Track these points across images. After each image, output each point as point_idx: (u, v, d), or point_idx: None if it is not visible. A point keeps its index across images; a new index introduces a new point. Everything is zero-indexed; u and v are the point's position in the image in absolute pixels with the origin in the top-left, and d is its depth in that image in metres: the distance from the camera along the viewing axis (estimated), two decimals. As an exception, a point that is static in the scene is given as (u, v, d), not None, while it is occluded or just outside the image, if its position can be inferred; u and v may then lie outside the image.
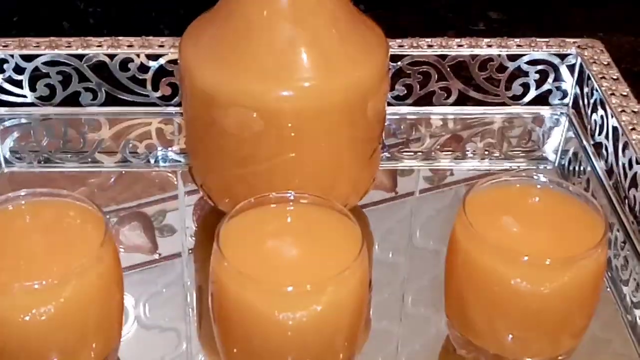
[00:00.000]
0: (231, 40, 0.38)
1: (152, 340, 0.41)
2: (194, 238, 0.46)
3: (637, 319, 0.42)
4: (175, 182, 0.50)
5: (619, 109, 0.47)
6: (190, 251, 0.45)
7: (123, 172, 0.50)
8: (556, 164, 0.52)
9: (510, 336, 0.37)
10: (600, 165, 0.50)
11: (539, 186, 0.39)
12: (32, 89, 0.51)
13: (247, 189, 0.40)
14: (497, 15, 0.71)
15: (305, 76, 0.37)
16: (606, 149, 0.49)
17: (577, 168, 0.52)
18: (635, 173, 0.44)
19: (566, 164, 0.53)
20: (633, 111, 0.47)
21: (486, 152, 0.53)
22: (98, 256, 0.33)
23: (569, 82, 0.54)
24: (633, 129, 0.46)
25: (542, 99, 0.55)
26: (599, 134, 0.50)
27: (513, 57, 0.53)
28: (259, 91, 0.37)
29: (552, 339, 0.37)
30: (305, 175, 0.40)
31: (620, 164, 0.47)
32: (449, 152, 0.53)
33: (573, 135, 0.54)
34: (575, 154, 0.53)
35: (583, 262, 0.34)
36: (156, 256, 0.44)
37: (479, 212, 0.35)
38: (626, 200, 0.46)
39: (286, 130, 0.38)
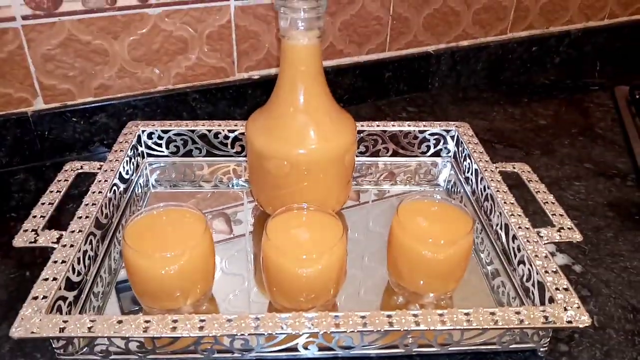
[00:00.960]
0: (273, 122, 0.53)
1: (229, 281, 0.55)
2: (252, 226, 0.63)
3: (488, 271, 0.57)
4: (242, 197, 0.67)
5: (479, 161, 0.64)
6: (250, 233, 0.61)
7: (214, 192, 0.67)
8: (444, 188, 0.70)
9: (422, 281, 0.49)
10: (468, 189, 0.67)
11: (437, 200, 0.52)
12: (167, 147, 0.71)
13: (280, 201, 0.54)
14: (412, 109, 0.92)
15: (313, 142, 0.52)
16: (471, 181, 0.66)
17: (455, 190, 0.68)
18: (488, 194, 0.60)
19: (450, 187, 0.70)
20: (486, 160, 0.65)
21: (407, 180, 0.71)
22: (201, 239, 0.45)
23: (451, 145, 0.72)
24: (485, 169, 0.63)
25: (436, 153, 0.73)
26: (467, 172, 0.67)
27: (422, 131, 0.72)
28: (287, 150, 0.52)
29: (444, 283, 0.49)
30: (312, 194, 0.54)
31: (479, 188, 0.64)
32: (387, 180, 0.70)
33: (453, 173, 0.72)
34: (454, 182, 0.70)
35: (461, 241, 0.47)
36: (231, 235, 0.61)
37: (407, 214, 0.48)
38: (482, 208, 0.62)
39: (302, 171, 0.53)
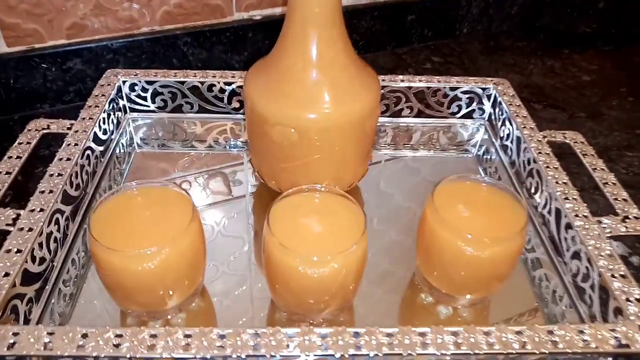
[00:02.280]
0: (278, 80, 0.43)
1: (228, 243, 0.49)
2: (253, 186, 0.55)
3: (528, 258, 0.48)
4: (243, 156, 0.58)
5: (523, 127, 0.54)
6: (251, 194, 0.54)
7: (210, 153, 0.58)
8: (474, 155, 0.60)
9: (459, 283, 0.41)
10: (505, 159, 0.57)
11: (481, 183, 0.42)
12: (153, 101, 0.60)
13: (285, 176, 0.46)
14: (437, 59, 0.80)
15: (326, 105, 0.42)
16: (510, 150, 0.56)
17: (488, 158, 0.59)
18: (534, 169, 0.50)
19: (481, 155, 0.60)
20: (531, 127, 0.54)
21: (431, 145, 0.61)
22: (188, 228, 0.36)
23: (487, 105, 0.62)
24: (531, 138, 0.52)
25: (466, 115, 0.63)
26: (506, 139, 0.57)
27: (454, 88, 0.61)
28: (296, 115, 0.42)
29: (486, 285, 0.40)
30: (325, 168, 0.45)
31: (520, 160, 0.54)
32: (407, 145, 0.61)
33: (487, 138, 0.62)
34: (486, 149, 0.60)
35: (511, 238, 0.37)
36: (230, 197, 0.53)
37: (444, 200, 0.39)
38: (524, 184, 0.52)
39: (313, 141, 0.43)
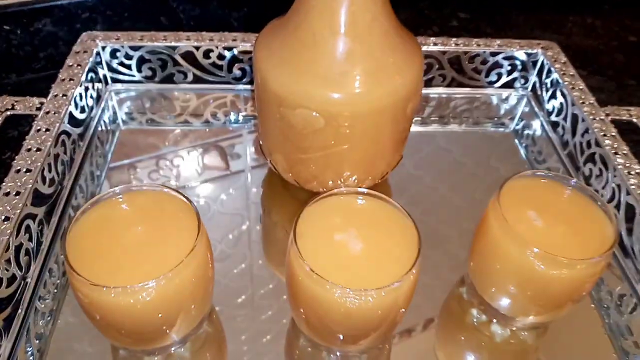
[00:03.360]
0: (298, 49, 0.34)
1: (227, 220, 0.43)
2: (254, 161, 0.48)
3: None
4: (243, 130, 0.50)
5: (581, 103, 0.46)
6: (251, 169, 0.48)
7: (207, 130, 0.50)
8: (511, 130, 0.52)
9: (520, 304, 0.34)
10: (555, 138, 0.49)
11: (562, 186, 0.34)
12: (139, 70, 0.51)
13: (305, 169, 0.38)
14: (464, 15, 0.70)
15: (361, 84, 0.34)
16: (564, 128, 0.48)
17: (529, 135, 0.52)
18: (596, 154, 0.43)
19: (520, 130, 0.52)
20: (590, 103, 0.46)
21: (464, 119, 0.53)
22: (194, 252, 0.28)
23: (532, 74, 0.54)
24: (594, 118, 0.45)
25: (506, 84, 0.55)
26: (557, 116, 0.49)
27: (494, 53, 0.52)
28: (321, 96, 0.34)
29: (554, 309, 0.34)
30: (354, 160, 0.38)
31: (577, 142, 0.46)
32: (436, 117, 0.53)
33: (528, 110, 0.54)
34: (526, 124, 0.53)
35: (589, 263, 0.30)
36: (228, 172, 0.47)
37: (513, 204, 0.32)
38: (580, 170, 0.45)
39: (342, 128, 0.35)
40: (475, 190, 0.46)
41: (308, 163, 0.38)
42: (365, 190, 0.32)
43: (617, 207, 0.41)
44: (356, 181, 0.40)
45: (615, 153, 0.42)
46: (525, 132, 0.53)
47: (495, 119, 0.54)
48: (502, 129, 0.53)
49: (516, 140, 0.52)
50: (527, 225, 0.32)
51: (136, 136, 0.50)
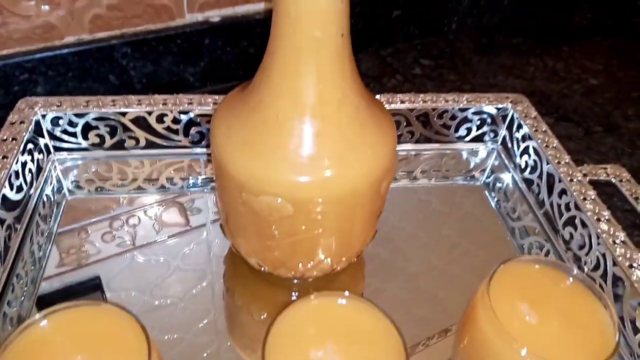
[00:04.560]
0: (260, 131, 0.30)
1: (187, 277, 0.40)
2: (216, 214, 0.45)
3: None
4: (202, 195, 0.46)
5: (556, 162, 0.44)
6: (212, 222, 0.44)
7: (163, 199, 0.46)
8: (481, 183, 0.50)
9: None
10: (530, 197, 0.47)
11: (564, 279, 0.30)
12: (85, 137, 0.46)
13: (273, 255, 0.35)
14: (427, 62, 0.68)
15: (331, 167, 0.30)
16: (538, 187, 0.46)
17: (501, 188, 0.50)
18: (577, 218, 0.41)
19: (491, 183, 0.50)
20: (566, 162, 0.44)
21: (433, 172, 0.51)
22: None
23: (501, 128, 0.52)
24: (571, 180, 0.42)
25: (478, 138, 0.52)
26: (530, 173, 0.47)
27: (463, 109, 0.50)
28: (288, 181, 0.30)
29: None
30: (326, 244, 0.34)
31: (554, 203, 0.44)
32: (405, 174, 0.51)
33: (498, 163, 0.52)
34: (497, 179, 0.51)
35: None
36: (188, 227, 0.44)
37: (503, 296, 0.29)
38: (559, 233, 0.43)
39: (313, 214, 0.31)
40: (454, 256, 0.44)
41: (275, 249, 0.35)
42: (346, 294, 0.28)
43: (604, 277, 0.38)
44: (330, 263, 0.36)
45: (598, 219, 0.39)
46: (497, 185, 0.51)
47: (465, 172, 0.52)
48: (472, 182, 0.51)
49: (486, 193, 0.50)
50: (518, 319, 0.29)
51: (85, 204, 0.46)
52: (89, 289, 0.40)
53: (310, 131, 0.30)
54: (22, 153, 0.42)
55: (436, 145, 0.53)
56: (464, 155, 0.53)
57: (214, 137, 0.33)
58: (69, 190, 0.47)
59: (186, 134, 0.48)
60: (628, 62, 0.72)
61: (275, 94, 0.30)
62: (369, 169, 0.32)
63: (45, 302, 0.38)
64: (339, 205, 0.32)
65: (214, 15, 0.56)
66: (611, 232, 0.39)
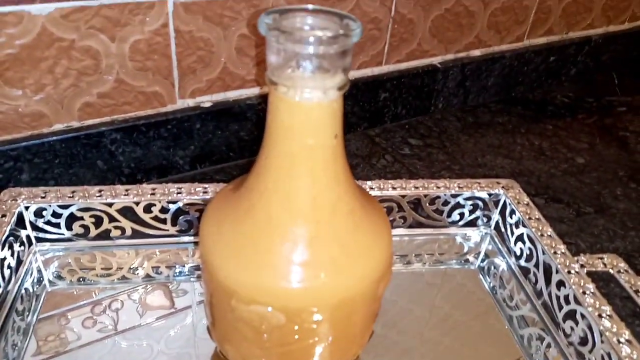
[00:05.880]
0: (252, 236, 0.29)
1: None
2: (199, 294, 0.44)
3: None
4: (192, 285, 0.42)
5: (553, 252, 0.43)
6: (198, 304, 0.43)
7: (146, 288, 0.44)
8: (476, 267, 0.49)
9: None
10: (528, 287, 0.46)
11: None
12: (69, 228, 0.45)
13: None
14: (415, 141, 0.68)
15: (326, 273, 0.29)
16: (535, 275, 0.45)
17: (495, 273, 0.49)
18: (578, 312, 0.39)
19: (486, 268, 0.49)
20: (562, 252, 0.43)
21: (427, 257, 0.50)
22: None
23: (494, 213, 0.51)
24: (569, 272, 0.41)
25: (471, 223, 0.52)
26: (526, 262, 0.46)
27: (455, 195, 0.50)
28: (280, 289, 0.29)
29: None
30: (322, 352, 0.32)
31: (552, 295, 0.42)
32: (397, 258, 0.49)
33: (492, 248, 0.51)
34: (491, 263, 0.50)
35: None
36: (173, 310, 0.43)
37: None
38: (559, 326, 0.41)
39: (307, 323, 0.30)
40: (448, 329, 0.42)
41: (266, 359, 0.32)
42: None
43: (609, 377, 0.37)
44: (324, 370, 0.34)
45: (600, 315, 0.38)
46: (492, 270, 0.50)
47: (459, 256, 0.51)
48: (466, 266, 0.50)
49: (481, 277, 0.49)
50: None
51: (66, 291, 0.44)
52: None
53: (304, 236, 0.29)
54: (2, 248, 0.40)
55: (429, 230, 0.52)
56: (458, 239, 0.53)
57: (203, 240, 0.32)
58: (50, 282, 0.45)
59: (174, 223, 0.47)
60: (611, 140, 0.74)
61: (268, 198, 0.30)
62: (365, 274, 0.31)
63: None
64: (334, 313, 0.31)
65: (206, 100, 0.57)
66: (615, 330, 0.37)
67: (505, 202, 0.50)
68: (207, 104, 0.57)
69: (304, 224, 0.29)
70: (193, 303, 0.43)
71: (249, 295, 0.29)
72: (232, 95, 0.58)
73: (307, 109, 0.27)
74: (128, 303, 0.43)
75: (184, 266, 0.47)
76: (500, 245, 0.51)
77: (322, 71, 0.27)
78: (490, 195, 0.51)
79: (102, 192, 0.45)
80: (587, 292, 0.40)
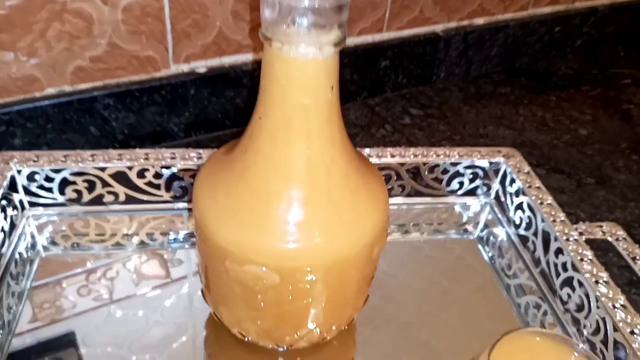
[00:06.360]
0: (247, 198, 0.29)
1: (167, 331, 0.39)
2: (195, 264, 0.44)
3: None
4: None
5: (552, 220, 0.43)
6: (194, 273, 0.43)
7: (141, 257, 0.44)
8: (475, 237, 0.49)
9: None
10: (526, 254, 0.46)
11: (570, 356, 0.29)
12: (62, 193, 0.45)
13: (257, 325, 0.33)
14: (416, 111, 0.68)
15: (320, 235, 0.29)
16: (533, 244, 0.45)
17: (494, 244, 0.49)
18: (574, 279, 0.40)
19: (485, 237, 0.49)
20: (561, 220, 0.43)
21: (425, 226, 0.50)
22: None
23: (495, 182, 0.51)
24: (567, 239, 0.41)
25: (471, 192, 0.52)
26: (525, 230, 0.46)
27: (455, 164, 0.50)
28: (275, 250, 0.29)
29: None
30: (315, 314, 0.33)
31: (550, 262, 0.42)
32: (397, 227, 0.49)
33: (492, 217, 0.51)
34: (491, 233, 0.50)
35: None
36: (168, 280, 0.43)
37: None
38: (556, 294, 0.42)
39: (302, 283, 0.30)
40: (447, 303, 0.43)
41: (260, 320, 0.33)
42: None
43: (604, 342, 0.37)
44: (319, 333, 0.34)
45: (596, 282, 0.38)
46: (491, 240, 0.50)
47: (458, 226, 0.51)
48: (465, 236, 0.50)
49: (480, 247, 0.49)
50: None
51: (61, 258, 0.44)
52: (64, 345, 0.38)
53: (299, 198, 0.29)
54: (-6, 212, 0.40)
55: (428, 199, 0.52)
56: (457, 209, 0.52)
57: (197, 202, 0.32)
58: (44, 247, 0.45)
59: (168, 188, 0.47)
60: (614, 112, 0.73)
61: (262, 160, 0.29)
62: (360, 236, 0.31)
63: (17, 359, 0.37)
64: (328, 274, 0.31)
65: (200, 66, 0.56)
66: (610, 296, 0.37)
67: (505, 170, 0.50)
68: (202, 70, 0.56)
69: (298, 185, 0.29)
70: (189, 273, 0.43)
71: (243, 256, 0.29)
72: (228, 60, 0.57)
73: (302, 65, 0.27)
74: (123, 272, 0.43)
75: (178, 233, 0.47)
76: (500, 215, 0.51)
77: (318, 27, 0.27)
78: (490, 163, 0.50)
79: (95, 157, 0.45)
80: (585, 259, 0.40)
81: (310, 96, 0.27)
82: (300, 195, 0.29)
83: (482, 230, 0.51)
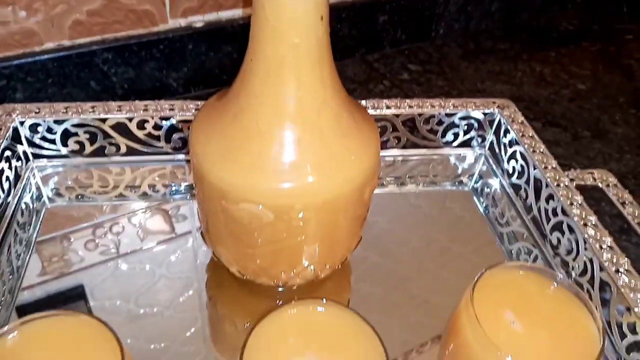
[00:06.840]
0: (240, 139, 0.30)
1: (173, 285, 0.40)
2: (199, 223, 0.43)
3: None
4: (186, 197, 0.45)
5: (543, 167, 0.44)
6: (198, 229, 0.44)
7: (144, 208, 0.46)
8: (470, 188, 0.51)
9: None
10: (518, 202, 0.47)
11: (550, 285, 0.30)
12: (64, 144, 0.46)
13: (254, 263, 0.35)
14: (414, 67, 0.68)
15: (313, 173, 0.30)
16: (525, 192, 0.46)
17: (488, 194, 0.50)
18: (564, 223, 0.41)
19: (479, 188, 0.51)
20: (553, 167, 0.44)
21: (420, 178, 0.51)
22: None
23: (489, 133, 0.52)
24: (558, 185, 0.42)
25: (465, 143, 0.53)
26: (518, 178, 0.47)
27: (449, 114, 0.50)
28: (269, 188, 0.30)
29: None
30: (309, 252, 0.34)
31: (541, 209, 0.44)
32: (393, 179, 0.51)
33: (486, 169, 0.52)
34: (486, 184, 0.51)
35: None
36: (173, 235, 0.44)
37: (487, 304, 0.29)
38: (547, 238, 0.43)
39: (294, 221, 0.31)
40: (444, 260, 0.44)
41: (256, 257, 0.34)
42: (324, 302, 0.28)
43: (591, 282, 0.39)
44: (313, 271, 0.36)
45: (585, 224, 0.40)
46: (485, 191, 0.51)
47: (453, 177, 0.52)
48: (460, 188, 0.51)
49: (475, 198, 0.50)
50: (505, 330, 0.29)
51: (66, 211, 0.45)
52: (72, 298, 0.40)
53: (291, 138, 0.30)
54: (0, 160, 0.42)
55: (423, 151, 0.53)
56: (452, 160, 0.53)
57: (193, 146, 0.33)
58: (49, 198, 0.46)
59: (168, 140, 0.48)
60: (614, 67, 0.73)
61: (255, 101, 0.30)
62: (351, 175, 0.32)
63: (26, 311, 0.38)
64: (320, 212, 0.32)
65: (197, 20, 0.56)
66: (598, 237, 0.39)
67: (500, 121, 0.51)
68: (199, 24, 0.56)
69: (291, 126, 0.30)
70: (193, 228, 0.44)
71: (238, 195, 0.31)
72: (225, 15, 0.57)
73: (292, 2, 0.28)
74: (129, 227, 0.45)
75: (179, 185, 0.48)
76: (494, 166, 0.52)
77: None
78: (485, 114, 0.51)
79: (95, 108, 0.46)
80: (575, 203, 0.41)
81: (300, 35, 0.28)
82: (291, 135, 0.30)
83: (476, 182, 0.52)
